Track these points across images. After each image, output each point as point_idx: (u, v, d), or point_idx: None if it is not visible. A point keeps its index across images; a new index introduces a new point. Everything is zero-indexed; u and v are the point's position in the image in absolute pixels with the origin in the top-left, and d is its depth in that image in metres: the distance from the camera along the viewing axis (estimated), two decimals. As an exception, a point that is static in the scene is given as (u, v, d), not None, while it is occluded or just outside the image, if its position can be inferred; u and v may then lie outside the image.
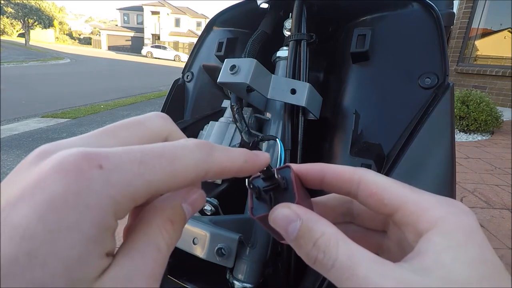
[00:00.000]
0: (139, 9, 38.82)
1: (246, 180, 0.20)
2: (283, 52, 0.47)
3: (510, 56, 4.43)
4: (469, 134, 3.37)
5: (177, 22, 38.30)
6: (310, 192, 0.21)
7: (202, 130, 0.50)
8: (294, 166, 0.20)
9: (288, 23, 0.48)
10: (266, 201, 0.19)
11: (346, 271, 0.15)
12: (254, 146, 0.39)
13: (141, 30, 38.56)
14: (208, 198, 0.44)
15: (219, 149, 0.17)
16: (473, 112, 3.27)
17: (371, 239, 0.21)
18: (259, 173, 0.19)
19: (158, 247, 0.15)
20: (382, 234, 0.21)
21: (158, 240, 0.15)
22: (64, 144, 0.15)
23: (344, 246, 0.16)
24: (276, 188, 0.19)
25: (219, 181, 0.44)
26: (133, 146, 0.14)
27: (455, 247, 0.15)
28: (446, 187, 0.34)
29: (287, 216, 0.17)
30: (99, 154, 0.13)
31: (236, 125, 0.41)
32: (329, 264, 0.16)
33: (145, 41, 37.37)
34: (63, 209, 0.12)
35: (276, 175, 0.19)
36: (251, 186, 0.19)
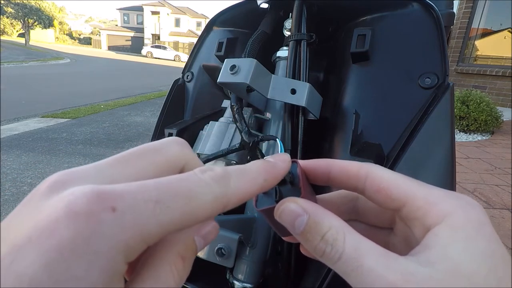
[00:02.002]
0: (139, 9, 38.82)
1: None
2: (283, 52, 0.47)
3: (510, 56, 4.43)
4: (469, 134, 3.37)
5: (177, 22, 38.30)
6: (315, 189, 0.21)
7: (202, 130, 0.50)
8: (300, 161, 0.20)
9: (288, 23, 0.48)
10: (271, 195, 0.19)
11: (352, 263, 0.15)
12: (254, 146, 0.39)
13: (141, 30, 38.55)
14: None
15: (236, 175, 0.16)
16: (473, 112, 3.27)
17: (376, 236, 0.21)
18: None
19: (168, 286, 0.14)
20: (387, 231, 0.21)
21: (169, 279, 0.15)
22: (78, 174, 0.14)
23: (351, 239, 0.16)
24: (281, 182, 0.19)
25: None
26: (149, 181, 0.14)
27: (463, 240, 0.15)
28: (446, 187, 0.34)
29: (293, 210, 0.17)
30: (113, 194, 0.13)
31: (236, 125, 0.41)
32: (336, 257, 0.16)
33: (145, 41, 37.37)
34: (72, 257, 0.11)
35: None
36: None
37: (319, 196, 0.22)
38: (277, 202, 0.18)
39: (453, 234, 0.15)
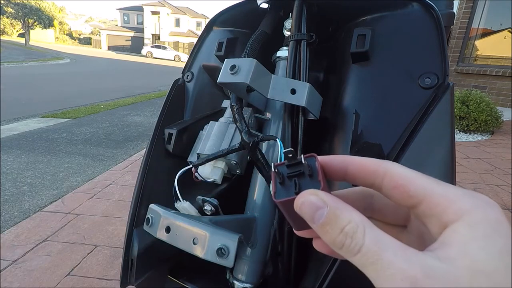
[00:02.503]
0: (139, 9, 38.80)
1: (272, 164, 0.20)
2: (283, 52, 0.47)
3: (510, 56, 4.43)
4: (469, 134, 3.37)
5: (177, 22, 38.28)
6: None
7: (202, 130, 0.50)
8: (318, 157, 0.20)
9: (288, 23, 0.48)
10: (290, 187, 0.19)
11: (371, 256, 0.15)
12: (254, 146, 0.39)
13: (141, 30, 38.54)
14: (208, 198, 0.44)
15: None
16: (473, 112, 3.27)
17: (390, 234, 0.22)
18: (284, 160, 0.19)
19: None
20: (401, 229, 0.21)
21: None
22: None
23: (371, 232, 0.16)
24: (300, 175, 0.19)
25: (219, 181, 0.44)
26: None
27: (482, 238, 0.15)
28: (446, 187, 0.34)
29: (314, 202, 0.18)
30: None
31: (236, 125, 0.41)
32: (356, 249, 0.16)
33: (145, 41, 37.35)
34: None
35: (303, 162, 0.19)
36: (276, 171, 0.19)
37: (334, 193, 0.22)
38: (296, 194, 0.18)
39: (472, 231, 0.15)
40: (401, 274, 0.15)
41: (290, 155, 0.19)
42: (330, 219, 0.17)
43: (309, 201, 0.18)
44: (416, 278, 0.14)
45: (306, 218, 0.18)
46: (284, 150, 0.19)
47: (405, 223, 0.21)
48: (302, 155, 0.19)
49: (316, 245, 0.21)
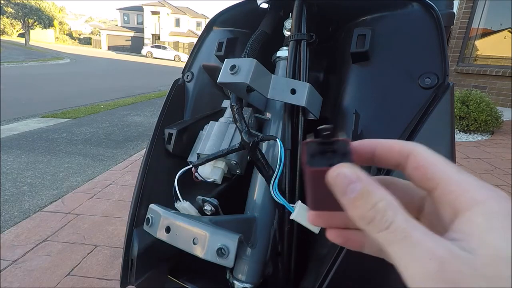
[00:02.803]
0: (139, 9, 38.80)
1: (303, 141, 0.19)
2: (283, 52, 0.47)
3: (510, 56, 4.43)
4: (469, 134, 3.37)
5: (177, 22, 38.28)
6: None
7: (202, 130, 0.50)
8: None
9: (288, 23, 0.48)
10: (321, 161, 0.19)
11: (401, 233, 0.16)
12: (254, 146, 0.39)
13: (141, 30, 38.54)
14: (208, 198, 0.44)
15: None
16: (473, 112, 3.27)
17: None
18: (316, 138, 0.19)
19: None
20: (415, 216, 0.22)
21: None
22: None
23: (402, 212, 0.17)
24: (334, 152, 0.19)
25: (219, 181, 0.44)
26: None
27: (499, 228, 0.15)
28: (446, 187, 0.34)
29: (348, 176, 0.18)
30: None
31: (236, 125, 0.41)
32: (385, 225, 0.16)
33: (145, 41, 37.35)
34: None
35: (337, 141, 0.19)
36: (308, 144, 0.19)
37: None
38: (330, 166, 0.18)
39: (489, 221, 0.15)
40: (429, 253, 0.15)
41: (326, 133, 0.18)
42: (363, 194, 0.17)
43: (344, 173, 0.18)
44: (444, 258, 0.15)
45: (338, 190, 0.18)
46: (321, 127, 0.18)
47: (418, 212, 0.21)
48: (334, 138, 0.19)
49: (330, 235, 0.21)
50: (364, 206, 0.17)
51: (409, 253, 0.16)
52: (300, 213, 0.25)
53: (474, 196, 0.16)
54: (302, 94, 0.39)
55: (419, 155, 0.19)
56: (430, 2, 0.40)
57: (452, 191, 0.17)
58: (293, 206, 0.27)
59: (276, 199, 0.36)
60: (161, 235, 0.34)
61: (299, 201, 0.26)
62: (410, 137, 0.35)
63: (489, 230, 0.15)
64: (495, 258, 0.15)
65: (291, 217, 0.25)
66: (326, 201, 0.18)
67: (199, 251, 0.32)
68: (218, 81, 0.38)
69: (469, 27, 4.72)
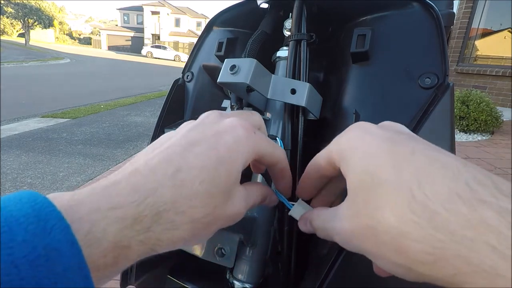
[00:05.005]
0: (139, 9, 38.80)
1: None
2: (283, 52, 0.47)
3: (510, 56, 4.43)
4: (469, 134, 3.37)
5: (177, 22, 38.28)
6: None
7: (202, 130, 0.50)
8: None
9: (288, 23, 0.48)
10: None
11: (323, 231, 0.23)
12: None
13: (141, 30, 38.54)
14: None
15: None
16: (473, 112, 3.27)
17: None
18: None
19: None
20: None
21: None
22: (228, 115, 0.24)
23: (319, 218, 0.23)
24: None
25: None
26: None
27: (346, 166, 0.20)
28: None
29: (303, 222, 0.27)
30: (256, 125, 0.25)
31: (236, 125, 0.41)
32: (315, 230, 0.24)
33: (145, 41, 37.35)
34: (234, 148, 0.21)
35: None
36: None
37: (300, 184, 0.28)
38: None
39: (344, 164, 0.20)
40: (337, 231, 0.20)
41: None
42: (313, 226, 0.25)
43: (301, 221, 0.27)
44: (343, 232, 0.20)
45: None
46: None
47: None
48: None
49: (377, 270, 0.24)
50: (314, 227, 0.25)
51: (336, 238, 0.21)
52: (298, 210, 0.27)
53: (336, 149, 0.21)
54: (302, 94, 0.39)
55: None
56: (430, 2, 0.40)
57: (335, 161, 0.22)
58: (292, 204, 0.28)
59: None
60: (161, 235, 0.34)
61: (300, 199, 0.27)
62: (410, 137, 0.34)
63: (344, 169, 0.20)
64: (354, 193, 0.19)
65: (289, 213, 0.27)
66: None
67: (199, 251, 0.32)
68: (218, 81, 0.38)
69: (469, 27, 4.71)
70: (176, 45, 36.12)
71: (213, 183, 0.19)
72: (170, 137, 0.21)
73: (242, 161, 0.21)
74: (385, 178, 0.16)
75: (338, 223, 0.20)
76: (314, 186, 0.26)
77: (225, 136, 0.21)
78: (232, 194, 0.21)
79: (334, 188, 0.27)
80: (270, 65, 0.47)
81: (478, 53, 4.93)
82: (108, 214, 0.17)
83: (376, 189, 0.17)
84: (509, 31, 4.64)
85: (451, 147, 0.35)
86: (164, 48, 28.98)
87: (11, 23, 27.19)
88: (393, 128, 0.21)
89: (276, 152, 0.25)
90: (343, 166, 0.20)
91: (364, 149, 0.18)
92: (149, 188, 0.18)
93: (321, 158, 0.23)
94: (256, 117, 0.27)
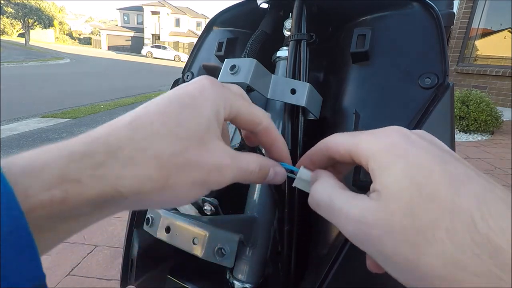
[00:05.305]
0: (139, 9, 38.79)
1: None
2: (283, 52, 0.47)
3: (510, 56, 4.43)
4: (469, 134, 3.37)
5: (177, 22, 38.28)
6: None
7: (202, 130, 0.50)
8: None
9: (288, 23, 0.48)
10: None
11: (327, 207, 0.20)
12: (254, 146, 0.39)
13: (141, 30, 38.53)
14: (208, 198, 0.44)
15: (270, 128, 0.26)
16: (473, 112, 3.27)
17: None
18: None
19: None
20: None
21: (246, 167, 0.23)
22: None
23: (326, 191, 0.21)
24: None
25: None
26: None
27: (385, 169, 0.18)
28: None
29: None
30: (235, 92, 0.24)
31: (236, 125, 0.41)
32: (316, 206, 0.22)
33: (145, 41, 37.34)
34: (197, 94, 0.21)
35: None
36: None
37: (305, 155, 0.27)
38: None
39: (378, 166, 0.19)
40: (345, 215, 0.19)
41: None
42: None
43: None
44: (354, 216, 0.18)
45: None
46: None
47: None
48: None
49: (370, 265, 0.24)
50: (311, 201, 0.23)
51: (336, 218, 0.20)
52: (302, 181, 0.26)
53: (365, 147, 0.20)
54: (302, 94, 0.39)
55: (331, 143, 0.23)
56: (430, 2, 0.40)
57: (355, 154, 0.21)
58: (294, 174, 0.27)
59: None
60: (161, 235, 0.34)
61: (302, 167, 0.26)
62: (410, 137, 0.34)
63: (381, 171, 0.18)
64: (390, 198, 0.17)
65: (293, 184, 0.26)
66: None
67: (199, 251, 0.32)
68: (218, 81, 0.38)
69: (469, 27, 4.71)
70: (176, 45, 36.12)
71: (179, 126, 0.19)
72: None
73: (211, 109, 0.20)
74: (439, 196, 0.15)
75: (359, 212, 0.18)
76: (317, 163, 0.25)
77: (189, 87, 0.21)
78: (207, 142, 0.20)
79: (336, 172, 0.26)
80: (270, 65, 0.47)
81: (478, 53, 4.93)
82: (52, 150, 0.16)
83: (426, 205, 0.16)
84: (509, 31, 4.64)
85: (451, 148, 0.35)
86: (164, 48, 28.98)
87: (11, 23, 27.19)
88: (431, 141, 0.20)
89: (255, 111, 0.24)
90: (375, 167, 0.18)
91: (412, 161, 0.17)
92: (103, 132, 0.18)
93: (342, 145, 0.22)
94: (234, 86, 0.26)
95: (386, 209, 0.17)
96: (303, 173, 0.26)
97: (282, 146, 0.26)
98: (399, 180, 0.17)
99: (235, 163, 0.21)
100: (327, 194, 0.21)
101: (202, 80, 0.22)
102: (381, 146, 0.19)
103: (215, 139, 0.20)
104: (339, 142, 0.22)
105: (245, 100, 0.24)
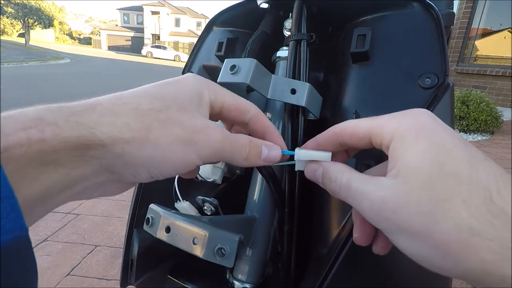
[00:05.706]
0: (139, 9, 38.79)
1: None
2: (283, 52, 0.47)
3: (510, 56, 4.43)
4: (469, 134, 3.37)
5: (177, 22, 38.27)
6: None
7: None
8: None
9: (288, 23, 0.48)
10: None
11: (347, 189, 0.21)
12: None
13: (141, 30, 38.53)
14: (208, 198, 0.44)
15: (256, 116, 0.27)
16: (473, 112, 3.27)
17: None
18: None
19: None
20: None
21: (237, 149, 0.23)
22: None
23: (345, 175, 0.22)
24: None
25: (219, 181, 0.44)
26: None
27: (408, 147, 0.19)
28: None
29: (313, 167, 0.25)
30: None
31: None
32: (337, 188, 0.22)
33: (145, 41, 37.34)
34: (181, 79, 0.23)
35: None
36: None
37: (316, 141, 0.27)
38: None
39: (402, 145, 0.19)
40: (363, 194, 0.20)
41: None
42: (326, 172, 0.24)
43: (311, 167, 0.25)
44: (370, 193, 0.19)
45: (313, 179, 0.25)
46: None
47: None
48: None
49: (375, 248, 0.25)
50: (328, 182, 0.23)
51: (356, 198, 0.20)
52: (302, 162, 0.26)
53: (389, 127, 0.20)
54: (302, 94, 0.39)
55: (348, 127, 0.24)
56: (430, 2, 0.40)
57: (376, 136, 0.21)
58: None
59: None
60: (161, 235, 0.34)
61: (297, 148, 0.26)
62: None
63: (403, 152, 0.19)
64: (409, 176, 0.18)
65: (296, 168, 0.27)
66: None
67: (199, 251, 0.32)
68: (218, 81, 0.38)
69: (469, 27, 4.71)
70: (176, 45, 36.11)
71: (160, 93, 0.20)
72: None
73: (194, 87, 0.22)
74: (459, 172, 0.17)
75: (374, 190, 0.19)
76: (323, 149, 0.25)
77: (173, 78, 0.23)
78: (188, 109, 0.21)
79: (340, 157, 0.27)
80: (270, 65, 0.47)
81: (478, 53, 4.93)
82: (31, 108, 0.17)
83: (445, 180, 0.17)
84: (509, 31, 4.64)
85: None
86: (164, 48, 28.98)
87: (11, 23, 27.18)
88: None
89: (242, 100, 0.25)
90: (398, 146, 0.19)
91: (437, 140, 0.18)
92: (86, 102, 0.18)
93: (363, 128, 0.22)
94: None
95: (403, 184, 0.18)
96: (300, 154, 0.26)
97: (275, 131, 0.27)
98: (421, 157, 0.18)
99: (223, 131, 0.22)
100: (347, 178, 0.22)
101: (187, 74, 0.24)
102: (411, 125, 0.20)
103: (197, 112, 0.21)
104: (359, 125, 0.23)
105: (231, 92, 0.25)
